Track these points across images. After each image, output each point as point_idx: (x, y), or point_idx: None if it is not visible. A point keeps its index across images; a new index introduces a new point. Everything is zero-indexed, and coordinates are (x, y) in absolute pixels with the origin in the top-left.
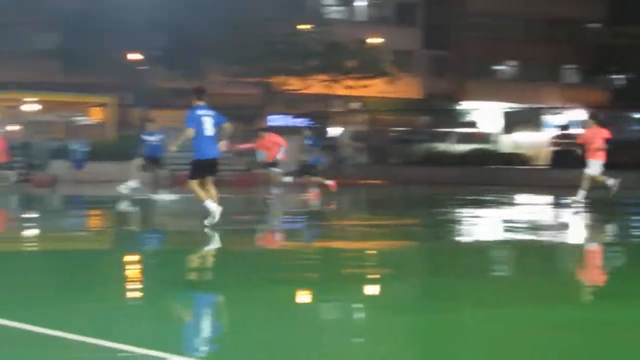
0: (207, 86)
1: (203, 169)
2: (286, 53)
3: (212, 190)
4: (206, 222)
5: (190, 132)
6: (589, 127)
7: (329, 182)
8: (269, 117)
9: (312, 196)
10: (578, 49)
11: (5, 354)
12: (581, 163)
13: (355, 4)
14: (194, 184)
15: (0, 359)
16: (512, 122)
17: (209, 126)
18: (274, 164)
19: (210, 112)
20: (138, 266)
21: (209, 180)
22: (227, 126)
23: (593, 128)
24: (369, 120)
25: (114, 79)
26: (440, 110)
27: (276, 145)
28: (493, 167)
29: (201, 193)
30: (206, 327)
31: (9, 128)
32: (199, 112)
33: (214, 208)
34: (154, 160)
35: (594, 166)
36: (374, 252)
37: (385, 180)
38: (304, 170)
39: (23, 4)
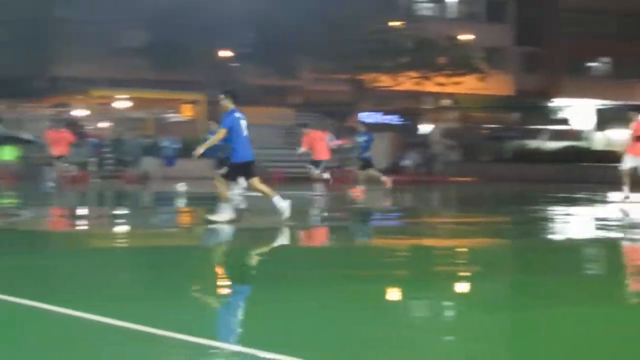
0: (298, 83)
1: (240, 171)
2: (377, 50)
3: (265, 189)
4: (214, 217)
5: (223, 132)
6: None
7: (385, 179)
8: (360, 114)
9: (357, 193)
10: None
11: (98, 350)
12: None
13: (446, 0)
14: (221, 181)
15: (94, 355)
16: (605, 119)
17: (245, 129)
18: (316, 162)
19: (243, 115)
20: (228, 263)
21: (255, 180)
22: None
23: None
24: (460, 117)
25: (205, 76)
26: (531, 107)
27: (318, 143)
28: (585, 164)
29: (225, 191)
30: (297, 324)
31: (100, 125)
32: (236, 114)
33: (228, 209)
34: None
35: None
36: (465, 249)
37: (475, 177)
38: (364, 165)
39: (115, 2)
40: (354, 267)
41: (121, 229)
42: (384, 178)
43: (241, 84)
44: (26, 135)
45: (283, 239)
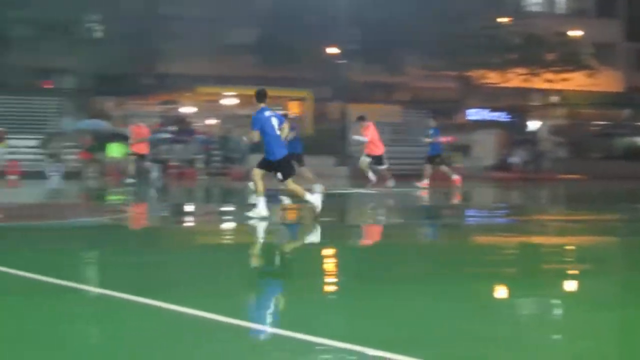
0: (405, 80)
1: (273, 168)
2: (485, 46)
3: (298, 189)
4: (251, 214)
5: (256, 135)
6: None
7: (455, 177)
8: (467, 111)
9: (424, 188)
10: None
11: (205, 347)
12: None
13: None
14: (258, 175)
15: (201, 352)
16: None
17: (276, 127)
18: (369, 156)
19: (274, 113)
20: (334, 259)
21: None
22: (285, 126)
23: None
24: (568, 114)
25: (312, 73)
26: None
27: (376, 137)
28: None
29: (260, 187)
30: (403, 321)
31: (208, 122)
32: (266, 113)
33: (263, 206)
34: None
35: None
36: (574, 247)
37: (584, 175)
38: (436, 161)
39: None
40: (463, 264)
41: (228, 225)
42: (455, 176)
43: (348, 80)
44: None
45: (389, 235)
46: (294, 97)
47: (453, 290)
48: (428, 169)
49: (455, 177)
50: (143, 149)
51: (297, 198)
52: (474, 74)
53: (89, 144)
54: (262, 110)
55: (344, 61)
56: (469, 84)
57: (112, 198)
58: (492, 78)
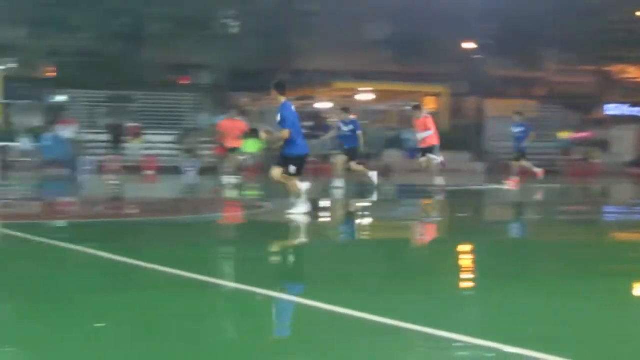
0: (541, 74)
1: (301, 164)
2: (624, 40)
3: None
4: (293, 211)
5: (287, 133)
6: None
7: (537, 171)
8: (606, 106)
9: (512, 184)
10: None
11: (341, 342)
12: None
13: None
14: (294, 180)
15: (337, 347)
16: None
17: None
18: (430, 149)
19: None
20: (470, 256)
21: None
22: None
23: None
24: None
25: (448, 68)
26: None
27: (432, 128)
28: None
29: (295, 186)
30: (541, 319)
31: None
32: (292, 107)
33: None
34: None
35: None
36: None
37: None
38: (518, 156)
39: None
40: (600, 261)
41: (363, 221)
42: (537, 170)
43: (484, 76)
44: (267, 128)
45: (523, 232)
46: (429, 92)
47: (592, 288)
48: (520, 165)
49: (537, 171)
50: (237, 143)
51: (294, 194)
52: (613, 68)
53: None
54: (288, 104)
55: (480, 56)
56: (607, 79)
57: (248, 193)
58: (632, 73)
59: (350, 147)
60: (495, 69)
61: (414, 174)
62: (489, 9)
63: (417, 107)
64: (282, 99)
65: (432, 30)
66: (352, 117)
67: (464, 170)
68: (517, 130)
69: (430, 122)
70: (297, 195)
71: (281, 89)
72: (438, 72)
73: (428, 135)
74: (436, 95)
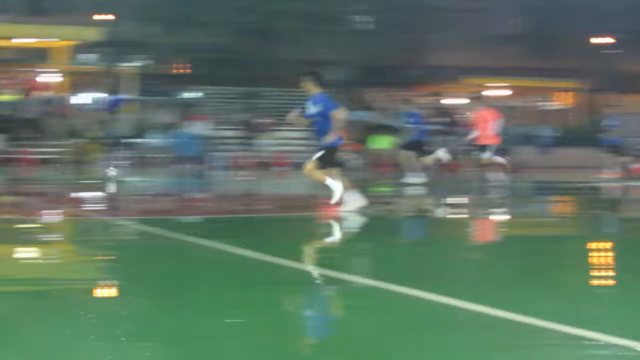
0: None
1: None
2: None
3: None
4: (345, 207)
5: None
6: None
7: (634, 167)
8: None
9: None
10: None
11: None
12: None
13: None
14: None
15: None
16: None
17: None
18: (483, 147)
19: None
20: (605, 252)
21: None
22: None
23: None
24: None
25: (582, 63)
26: None
27: (485, 124)
28: None
29: (342, 180)
30: None
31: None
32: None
33: (356, 195)
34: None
35: None
36: None
37: None
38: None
39: None
40: None
41: (494, 217)
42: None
43: (619, 71)
44: (396, 123)
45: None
46: (561, 87)
47: None
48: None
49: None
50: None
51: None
52: None
53: (358, 135)
54: (324, 94)
55: (615, 51)
56: None
57: (380, 189)
58: None
59: (413, 140)
60: (630, 63)
61: (549, 171)
62: (624, 1)
63: (478, 99)
64: (316, 90)
65: (567, 25)
66: (414, 110)
67: (595, 166)
68: (612, 123)
69: (485, 117)
70: (347, 190)
71: (318, 80)
72: (570, 67)
73: (483, 133)
74: (570, 90)
